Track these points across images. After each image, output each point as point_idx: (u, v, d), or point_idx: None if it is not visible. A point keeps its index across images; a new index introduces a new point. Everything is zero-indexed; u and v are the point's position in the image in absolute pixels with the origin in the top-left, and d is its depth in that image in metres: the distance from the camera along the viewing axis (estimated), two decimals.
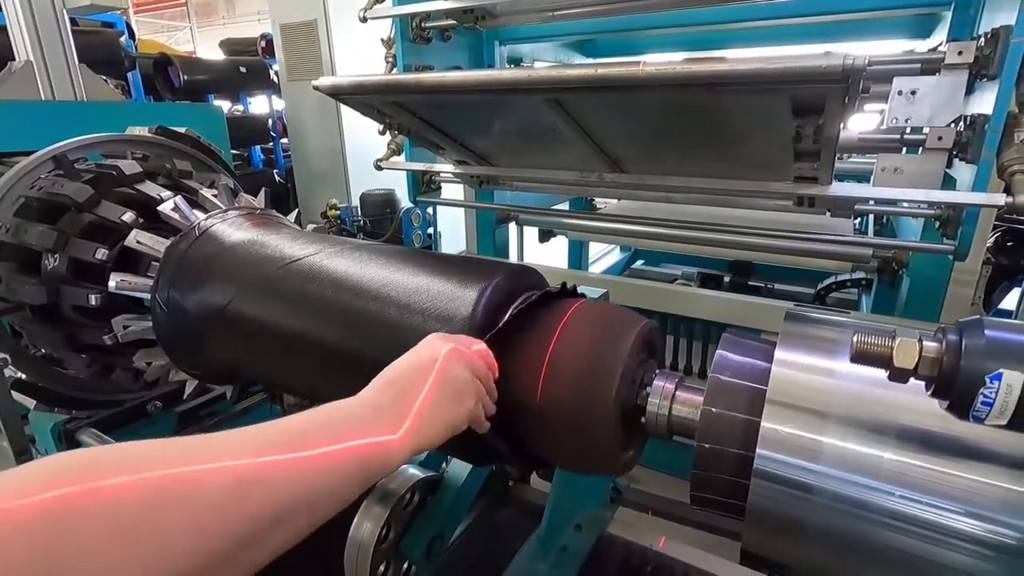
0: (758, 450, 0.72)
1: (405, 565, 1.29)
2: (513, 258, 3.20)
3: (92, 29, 4.98)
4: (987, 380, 0.50)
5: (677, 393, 0.89)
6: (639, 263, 4.24)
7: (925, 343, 0.56)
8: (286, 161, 7.33)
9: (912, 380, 0.58)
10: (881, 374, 0.68)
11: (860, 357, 0.57)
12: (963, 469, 0.62)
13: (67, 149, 1.52)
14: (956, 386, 0.53)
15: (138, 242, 1.33)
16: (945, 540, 0.63)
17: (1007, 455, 0.62)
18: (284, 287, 1.15)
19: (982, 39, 1.41)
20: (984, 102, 1.42)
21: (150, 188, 1.47)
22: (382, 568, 1.22)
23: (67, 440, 1.72)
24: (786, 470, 0.71)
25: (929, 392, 0.57)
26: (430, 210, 5.30)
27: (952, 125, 1.47)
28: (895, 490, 0.65)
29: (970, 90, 1.50)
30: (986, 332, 0.53)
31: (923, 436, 0.66)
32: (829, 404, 0.71)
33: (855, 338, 0.57)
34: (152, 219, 1.40)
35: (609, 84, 1.23)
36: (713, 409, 0.78)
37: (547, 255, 3.37)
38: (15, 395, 1.47)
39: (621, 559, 1.73)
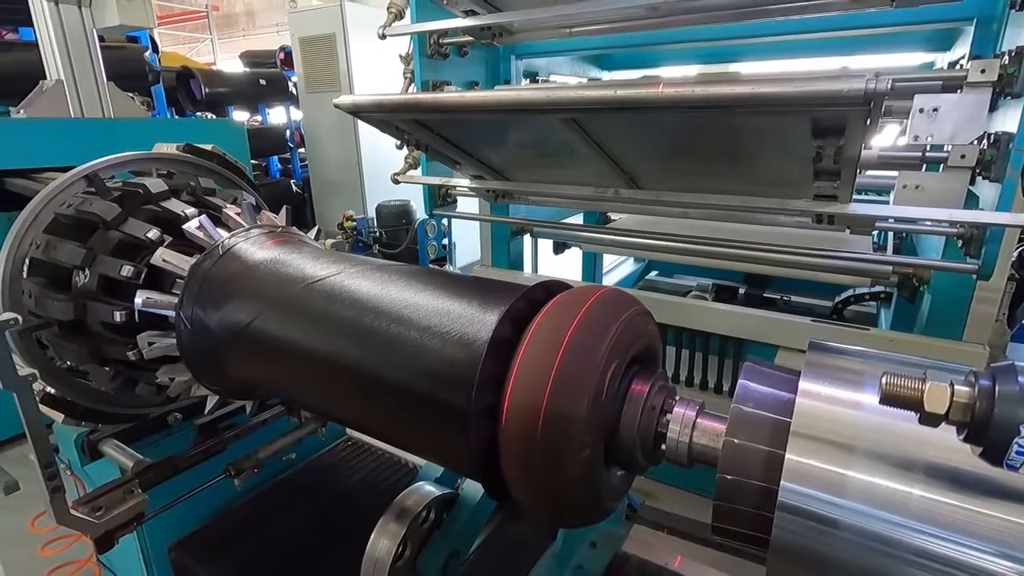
0: (783, 483, 0.72)
1: None
2: (528, 270, 3.21)
3: (118, 44, 5.11)
4: (1022, 430, 0.49)
5: (698, 421, 0.88)
6: (653, 274, 4.22)
7: (957, 387, 0.55)
8: (303, 171, 7.44)
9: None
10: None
11: (889, 399, 0.56)
12: (993, 508, 0.61)
13: (99, 168, 1.57)
14: (989, 434, 0.52)
15: (164, 260, 1.36)
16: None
17: None
18: (306, 307, 1.16)
19: (1006, 57, 1.39)
20: (1008, 120, 1.40)
21: (175, 206, 1.51)
22: None
23: (90, 451, 1.75)
24: (811, 504, 0.70)
25: (961, 437, 0.56)
26: (445, 221, 5.34)
27: (975, 143, 1.45)
28: (923, 527, 0.64)
29: (993, 108, 1.48)
30: (1020, 379, 0.53)
31: (952, 473, 0.64)
32: (855, 438, 0.71)
33: (884, 380, 0.57)
34: (177, 235, 1.43)
35: (628, 106, 1.24)
36: (736, 440, 0.78)
37: (562, 267, 3.37)
38: (42, 408, 1.50)
39: None
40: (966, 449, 0.61)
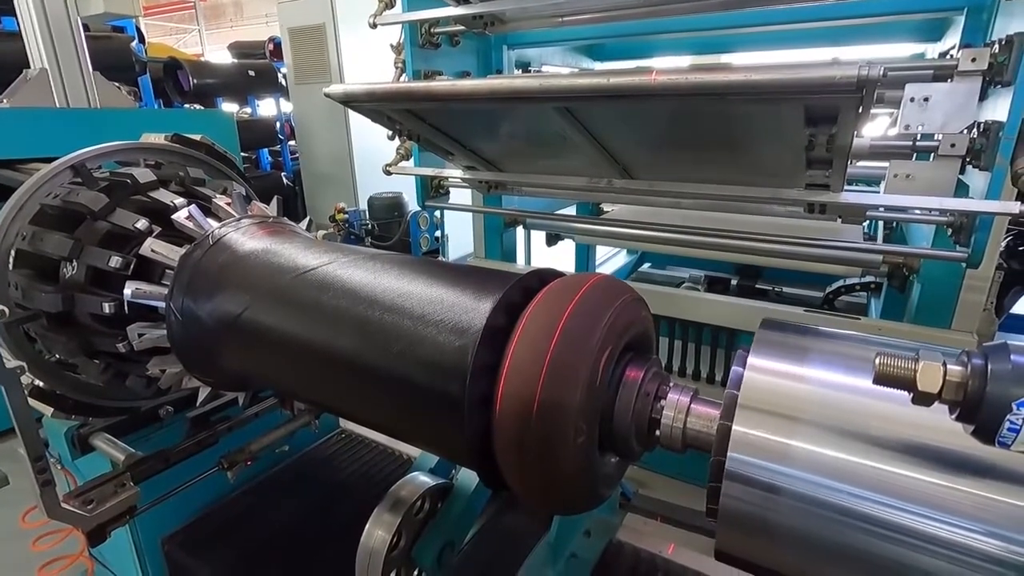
0: (729, 453, 0.75)
1: (416, 572, 1.30)
2: (520, 261, 3.20)
3: (104, 34, 5.02)
4: (1014, 407, 0.50)
5: (692, 407, 0.89)
6: (646, 266, 4.24)
7: (949, 367, 0.56)
8: (294, 164, 7.38)
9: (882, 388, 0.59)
10: (851, 380, 0.74)
11: (882, 379, 0.57)
12: (928, 474, 0.64)
13: (85, 158, 1.54)
14: (982, 412, 0.53)
15: (152, 251, 1.34)
16: (911, 542, 0.65)
17: (976, 460, 0.63)
18: (298, 297, 1.15)
19: (996, 46, 1.40)
20: (998, 109, 1.41)
21: (164, 196, 1.49)
22: (393, 575, 1.23)
23: (80, 444, 1.74)
24: (755, 472, 0.73)
25: (953, 416, 0.56)
26: (437, 213, 5.32)
27: (965, 132, 1.46)
28: (863, 493, 0.67)
29: (983, 97, 1.48)
30: (1012, 357, 0.53)
31: (891, 442, 0.67)
32: (798, 409, 0.73)
33: (877, 360, 0.57)
34: (167, 225, 1.41)
35: (620, 94, 1.24)
36: (728, 423, 0.78)
37: (555, 259, 3.37)
38: (31, 402, 1.49)
39: (630, 566, 1.73)
40: (905, 418, 0.66)
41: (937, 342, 1.75)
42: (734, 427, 0.76)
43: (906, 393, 0.63)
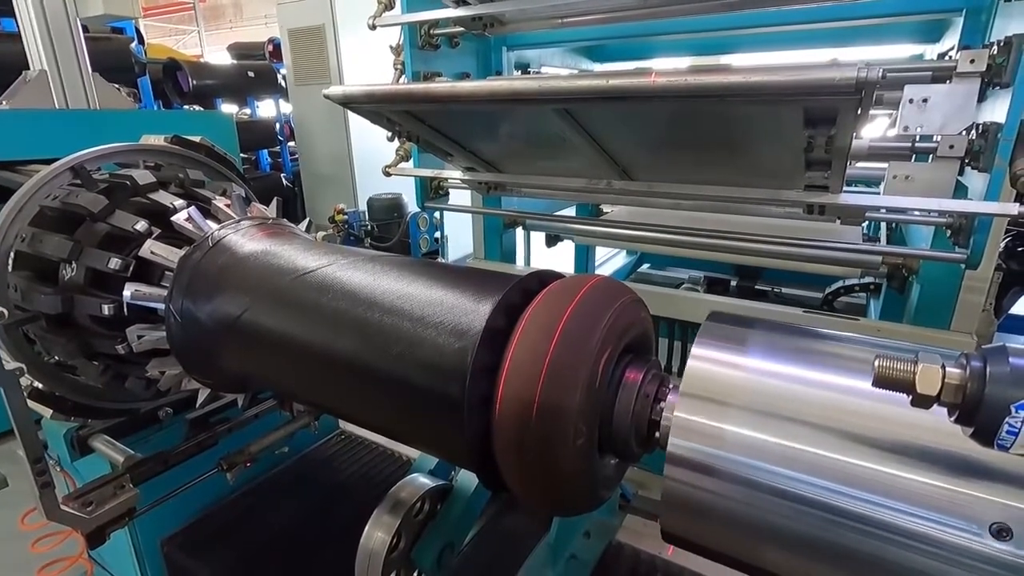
0: (670, 438, 0.79)
1: (415, 573, 1.30)
2: (520, 262, 3.20)
3: (103, 36, 5.02)
4: (1013, 409, 0.50)
5: None
6: (645, 267, 4.24)
7: (948, 369, 0.56)
8: (293, 165, 7.38)
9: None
10: (783, 369, 0.79)
11: (881, 382, 0.57)
12: (851, 454, 0.68)
13: (85, 159, 1.54)
14: (980, 414, 0.53)
15: (152, 253, 1.34)
16: (836, 520, 0.69)
17: (890, 443, 0.68)
18: (298, 299, 1.15)
19: (995, 47, 1.40)
20: (997, 110, 1.41)
21: (163, 197, 1.49)
22: None
23: (79, 446, 1.74)
24: (692, 455, 0.78)
25: (952, 418, 0.57)
26: (437, 214, 5.32)
27: (964, 133, 1.46)
28: (788, 473, 0.71)
29: (982, 98, 1.49)
30: (1011, 360, 0.54)
31: (814, 425, 0.72)
32: (732, 395, 0.77)
33: (877, 362, 0.58)
34: (166, 227, 1.41)
35: (620, 95, 1.24)
36: None
37: (554, 260, 3.37)
38: (31, 404, 1.49)
39: (630, 567, 1.73)
40: (827, 403, 0.71)
41: (936, 343, 1.76)
42: (675, 414, 0.80)
43: (834, 379, 0.74)
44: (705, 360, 0.83)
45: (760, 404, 0.76)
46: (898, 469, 0.65)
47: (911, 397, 0.56)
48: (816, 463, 0.70)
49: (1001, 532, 0.57)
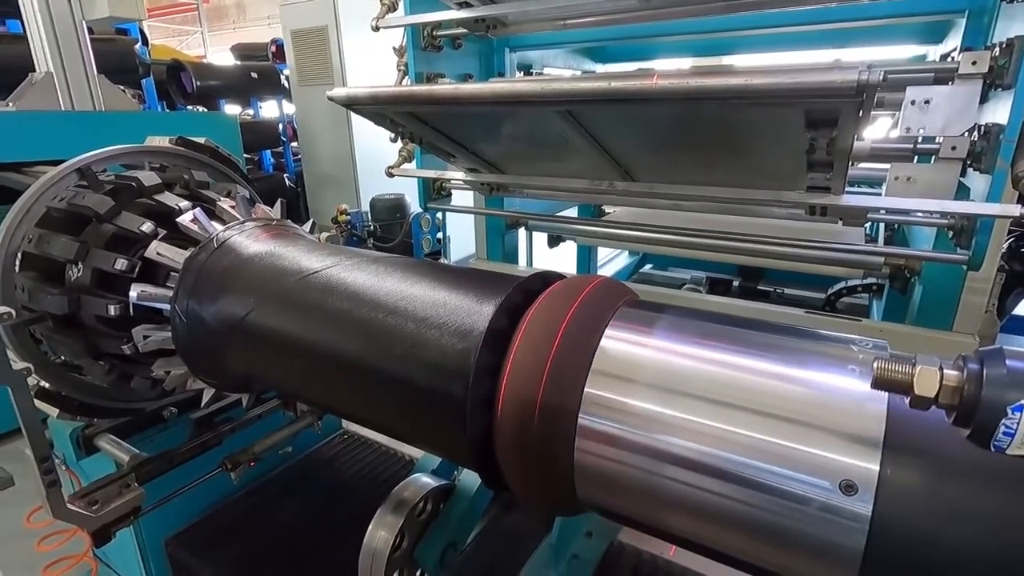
0: (581, 412, 0.84)
1: (418, 573, 1.30)
2: (523, 263, 3.21)
3: (108, 37, 5.05)
4: (1009, 411, 0.51)
5: None
6: (648, 267, 4.24)
7: (946, 371, 0.57)
8: (296, 165, 7.40)
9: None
10: (687, 349, 0.85)
11: (880, 383, 0.58)
12: (742, 426, 0.76)
13: (91, 161, 1.55)
14: (977, 416, 0.54)
15: (158, 254, 1.35)
16: (729, 486, 0.75)
17: (767, 413, 0.75)
18: (302, 300, 1.16)
19: (997, 49, 1.40)
20: (999, 112, 1.41)
21: (169, 199, 1.50)
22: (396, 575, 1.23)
23: (85, 445, 1.75)
24: (597, 425, 0.84)
25: (950, 420, 0.57)
26: (439, 215, 5.33)
27: (966, 135, 1.47)
28: (682, 443, 0.78)
29: (984, 99, 1.49)
30: (1007, 362, 0.54)
31: (711, 399, 0.79)
32: (637, 372, 0.84)
33: (876, 365, 0.59)
34: (172, 228, 1.43)
35: (622, 97, 1.24)
36: None
37: (557, 260, 3.38)
38: (37, 403, 1.50)
39: (632, 567, 1.74)
40: (723, 380, 0.79)
41: (938, 344, 1.76)
42: (586, 390, 0.85)
43: (725, 357, 0.82)
44: (616, 340, 0.89)
45: (660, 380, 0.83)
46: (772, 436, 0.73)
47: (909, 398, 0.57)
48: (702, 431, 0.77)
49: (848, 487, 0.66)
